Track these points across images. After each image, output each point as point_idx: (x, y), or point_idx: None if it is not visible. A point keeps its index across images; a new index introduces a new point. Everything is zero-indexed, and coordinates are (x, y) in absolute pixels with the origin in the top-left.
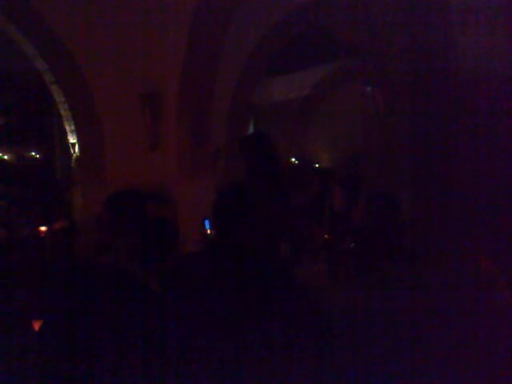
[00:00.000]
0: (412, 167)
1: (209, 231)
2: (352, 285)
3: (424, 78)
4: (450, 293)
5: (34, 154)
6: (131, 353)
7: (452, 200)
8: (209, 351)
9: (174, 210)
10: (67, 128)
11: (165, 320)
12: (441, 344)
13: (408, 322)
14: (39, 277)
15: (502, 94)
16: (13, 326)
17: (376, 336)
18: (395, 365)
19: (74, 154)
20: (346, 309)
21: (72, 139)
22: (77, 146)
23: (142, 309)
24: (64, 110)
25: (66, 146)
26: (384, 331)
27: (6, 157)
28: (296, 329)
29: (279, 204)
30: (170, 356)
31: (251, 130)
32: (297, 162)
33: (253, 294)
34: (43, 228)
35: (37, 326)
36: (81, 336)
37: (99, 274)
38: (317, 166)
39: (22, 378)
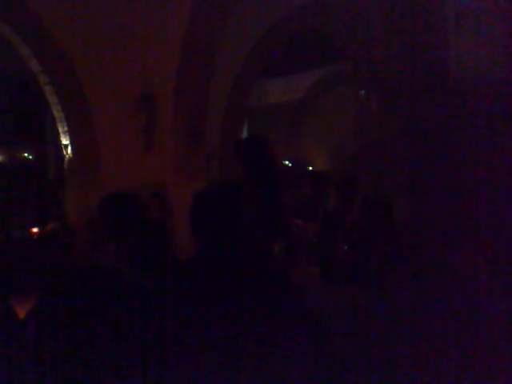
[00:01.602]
0: (409, 170)
1: None
2: (345, 286)
3: (422, 80)
4: (447, 294)
5: (26, 155)
6: (130, 354)
7: (450, 203)
8: (206, 352)
9: (169, 211)
10: (60, 129)
11: (161, 321)
12: (438, 346)
13: (402, 323)
14: (33, 277)
15: (500, 96)
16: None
17: (370, 336)
18: (391, 366)
19: (67, 156)
20: (340, 310)
21: (65, 140)
22: (69, 148)
23: (136, 309)
24: (57, 112)
25: (59, 147)
26: (379, 332)
27: None
28: (291, 330)
29: (273, 206)
30: (169, 357)
31: (245, 132)
32: (290, 164)
33: (248, 295)
34: (35, 229)
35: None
36: (77, 337)
37: (92, 275)
38: (310, 168)
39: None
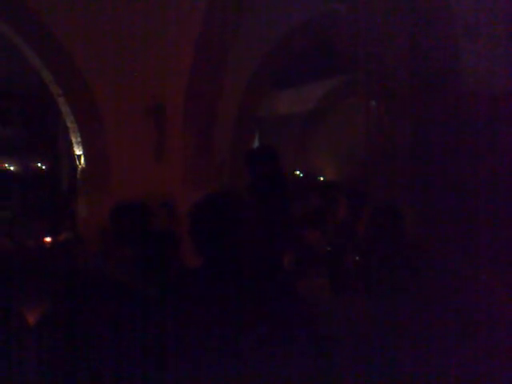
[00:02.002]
0: (414, 179)
1: None
2: (355, 297)
3: (427, 90)
4: (454, 303)
5: (40, 165)
6: (130, 354)
7: (455, 211)
8: (206, 353)
9: (178, 220)
10: (73, 140)
11: (162, 323)
12: (443, 354)
13: (411, 334)
14: (43, 286)
15: (504, 104)
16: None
17: (379, 347)
18: (398, 375)
19: (80, 166)
20: (349, 321)
21: (78, 151)
22: (82, 158)
23: (141, 316)
24: (70, 122)
25: (72, 157)
26: (387, 343)
27: (12, 167)
28: (295, 341)
29: (282, 217)
30: (169, 358)
31: (256, 142)
32: (301, 174)
33: (248, 299)
34: (48, 239)
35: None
36: (80, 339)
37: (101, 282)
38: (321, 178)
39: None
